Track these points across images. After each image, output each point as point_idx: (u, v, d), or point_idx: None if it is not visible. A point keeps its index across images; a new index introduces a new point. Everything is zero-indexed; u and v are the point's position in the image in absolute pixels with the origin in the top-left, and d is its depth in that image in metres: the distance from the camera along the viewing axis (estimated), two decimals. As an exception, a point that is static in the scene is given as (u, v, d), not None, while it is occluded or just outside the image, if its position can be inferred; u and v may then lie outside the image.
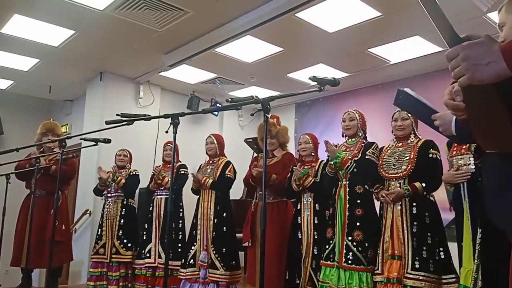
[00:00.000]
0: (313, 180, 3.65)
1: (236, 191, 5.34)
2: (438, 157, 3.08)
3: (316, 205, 3.65)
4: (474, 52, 0.87)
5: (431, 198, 3.09)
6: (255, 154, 5.37)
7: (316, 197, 3.66)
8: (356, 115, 3.51)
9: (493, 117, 0.97)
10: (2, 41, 4.94)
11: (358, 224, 3.23)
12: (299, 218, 3.69)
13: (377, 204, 3.31)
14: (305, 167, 3.77)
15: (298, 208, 3.73)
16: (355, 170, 3.28)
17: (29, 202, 4.48)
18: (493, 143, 1.05)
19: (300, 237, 3.63)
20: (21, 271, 4.64)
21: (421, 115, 1.62)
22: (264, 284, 2.09)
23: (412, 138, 3.17)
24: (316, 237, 3.56)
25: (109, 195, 4.85)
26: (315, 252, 3.53)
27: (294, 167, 3.78)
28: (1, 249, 4.21)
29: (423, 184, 2.98)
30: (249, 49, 5.03)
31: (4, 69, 5.89)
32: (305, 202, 3.69)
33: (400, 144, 3.21)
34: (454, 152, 2.86)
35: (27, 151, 4.56)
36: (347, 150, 3.46)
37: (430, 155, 3.06)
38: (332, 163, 3.36)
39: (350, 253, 3.16)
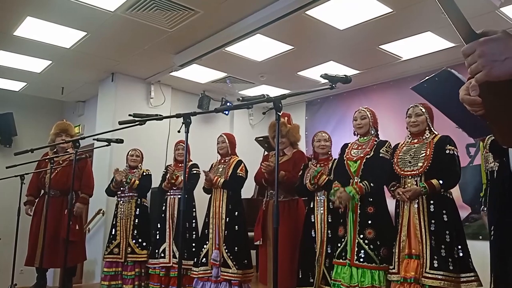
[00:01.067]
0: (327, 178, 3.63)
1: (248, 190, 5.36)
2: (455, 152, 3.03)
3: (330, 203, 3.62)
4: (491, 48, 0.86)
5: (449, 195, 3.05)
6: (266, 153, 5.37)
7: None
8: (368, 113, 3.47)
9: (510, 113, 0.96)
10: (15, 44, 5.01)
11: (369, 222, 3.21)
12: (312, 216, 3.67)
13: (392, 202, 3.27)
14: (319, 165, 3.75)
15: (311, 206, 3.72)
16: (367, 166, 3.28)
17: (43, 202, 4.53)
18: (509, 139, 1.04)
19: (314, 235, 3.61)
20: (36, 270, 4.69)
21: (450, 106, 1.49)
22: (277, 283, 2.09)
23: (427, 134, 3.13)
24: (329, 235, 3.55)
25: (122, 195, 4.90)
26: (329, 251, 3.52)
27: (311, 163, 3.75)
28: (16, 249, 4.27)
29: (440, 181, 2.95)
30: (259, 47, 5.03)
31: (17, 71, 5.96)
32: (318, 200, 3.68)
33: (416, 140, 3.17)
34: None
35: (41, 151, 4.61)
36: (359, 148, 3.44)
37: (447, 151, 3.02)
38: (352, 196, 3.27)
39: (362, 251, 3.14)
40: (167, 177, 4.68)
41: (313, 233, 3.62)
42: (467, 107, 1.08)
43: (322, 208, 3.62)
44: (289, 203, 3.92)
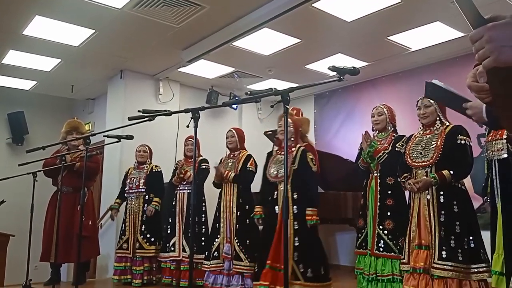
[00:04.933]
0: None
1: (258, 184, 5.36)
2: (468, 142, 3.01)
3: (294, 194, 3.54)
4: (499, 33, 0.84)
5: (461, 186, 3.04)
6: (275, 147, 5.37)
7: (293, 186, 3.55)
8: (385, 109, 3.61)
9: None
10: (24, 43, 5.06)
11: (389, 214, 3.35)
12: (276, 207, 3.58)
13: (407, 194, 3.32)
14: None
15: (275, 197, 3.64)
16: (386, 160, 3.34)
17: (56, 199, 4.59)
18: None
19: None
20: (50, 266, 4.77)
21: (452, 104, 1.58)
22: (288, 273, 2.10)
23: (438, 125, 3.11)
24: (296, 227, 3.47)
25: (131, 191, 4.95)
26: (296, 244, 3.44)
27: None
28: (30, 245, 4.34)
29: (451, 172, 2.93)
30: (266, 41, 5.02)
31: (27, 70, 6.02)
32: (282, 189, 3.54)
33: (428, 131, 3.17)
34: (490, 138, 2.80)
35: (53, 149, 4.66)
36: (378, 144, 3.54)
37: (459, 141, 3.00)
38: (366, 152, 3.44)
39: (382, 241, 3.31)
40: (176, 172, 4.73)
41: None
42: (474, 94, 1.07)
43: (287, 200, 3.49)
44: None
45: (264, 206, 3.70)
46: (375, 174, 3.48)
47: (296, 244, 3.41)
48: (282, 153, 3.59)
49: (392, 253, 3.26)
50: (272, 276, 3.37)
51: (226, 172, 4.27)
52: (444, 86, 1.59)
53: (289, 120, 3.65)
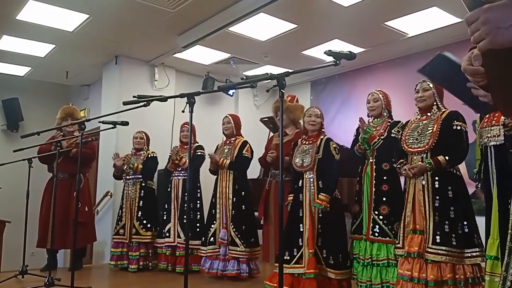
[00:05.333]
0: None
1: (254, 170, 5.37)
2: (463, 128, 3.00)
3: (320, 182, 3.45)
4: (495, 15, 0.84)
5: (456, 172, 3.04)
6: (271, 134, 5.37)
7: (318, 174, 3.48)
8: (380, 95, 3.58)
9: None
10: (18, 28, 4.99)
11: (384, 199, 3.35)
12: (300, 195, 3.48)
13: (402, 180, 3.32)
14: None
15: (300, 185, 3.53)
16: (381, 146, 3.36)
17: (52, 185, 4.58)
18: None
19: (301, 215, 3.44)
20: (47, 252, 4.78)
21: (453, 85, 1.52)
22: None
23: (435, 110, 3.10)
24: (320, 215, 3.40)
25: (128, 177, 4.95)
26: (320, 230, 3.40)
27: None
28: (26, 232, 4.35)
29: (446, 157, 2.93)
30: (262, 27, 4.98)
31: (21, 56, 5.96)
32: (306, 178, 3.49)
33: (424, 117, 3.16)
34: (485, 124, 2.79)
35: (48, 135, 4.64)
36: (373, 129, 3.52)
37: (454, 127, 2.99)
38: (360, 138, 3.43)
39: (377, 226, 3.32)
40: (171, 158, 4.74)
41: (300, 212, 3.44)
42: (469, 78, 1.07)
43: (313, 188, 3.44)
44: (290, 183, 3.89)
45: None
46: (371, 160, 3.48)
47: (320, 231, 3.39)
48: (307, 143, 3.60)
49: (387, 238, 3.28)
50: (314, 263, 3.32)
51: (221, 159, 4.27)
52: (457, 60, 1.54)
53: (317, 111, 3.63)
